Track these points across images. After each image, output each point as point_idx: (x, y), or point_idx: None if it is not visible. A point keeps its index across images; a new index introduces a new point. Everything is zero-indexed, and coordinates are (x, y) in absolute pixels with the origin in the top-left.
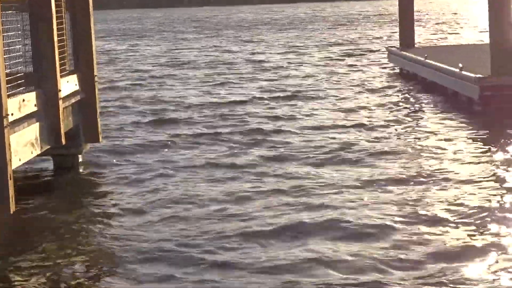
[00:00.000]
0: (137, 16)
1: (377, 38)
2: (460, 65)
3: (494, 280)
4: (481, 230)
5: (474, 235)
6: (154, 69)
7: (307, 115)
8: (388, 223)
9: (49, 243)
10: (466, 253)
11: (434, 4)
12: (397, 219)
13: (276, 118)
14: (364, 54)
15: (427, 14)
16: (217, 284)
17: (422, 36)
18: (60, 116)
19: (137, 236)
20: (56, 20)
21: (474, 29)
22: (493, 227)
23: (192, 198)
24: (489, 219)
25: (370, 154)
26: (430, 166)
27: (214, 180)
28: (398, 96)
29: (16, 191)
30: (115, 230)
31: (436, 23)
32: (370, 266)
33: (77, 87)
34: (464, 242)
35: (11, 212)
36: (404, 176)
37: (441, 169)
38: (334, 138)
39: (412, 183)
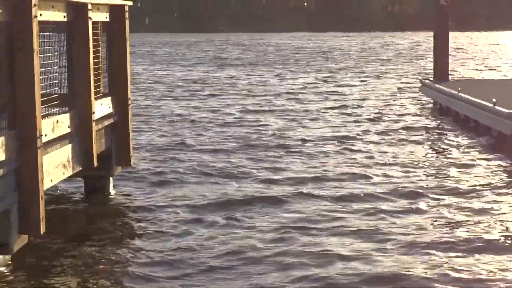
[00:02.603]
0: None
1: (410, 70)
2: (494, 100)
3: None
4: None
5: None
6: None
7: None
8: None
9: (76, 264)
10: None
11: (474, 38)
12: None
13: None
14: (396, 85)
15: (463, 47)
16: None
17: (457, 69)
18: (93, 138)
19: (165, 263)
20: (93, 42)
21: None
22: None
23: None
24: None
25: (397, 185)
26: (458, 199)
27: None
28: (428, 128)
29: (46, 212)
30: (142, 256)
31: (473, 57)
32: None
33: (110, 110)
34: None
35: (41, 233)
36: (432, 210)
37: (470, 202)
38: (361, 166)
39: (441, 215)
